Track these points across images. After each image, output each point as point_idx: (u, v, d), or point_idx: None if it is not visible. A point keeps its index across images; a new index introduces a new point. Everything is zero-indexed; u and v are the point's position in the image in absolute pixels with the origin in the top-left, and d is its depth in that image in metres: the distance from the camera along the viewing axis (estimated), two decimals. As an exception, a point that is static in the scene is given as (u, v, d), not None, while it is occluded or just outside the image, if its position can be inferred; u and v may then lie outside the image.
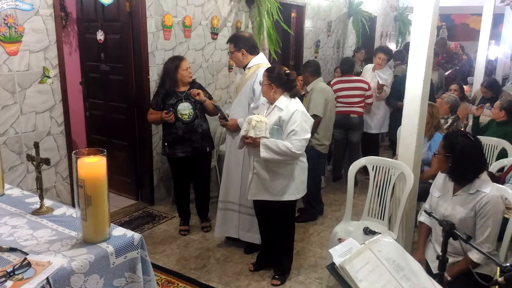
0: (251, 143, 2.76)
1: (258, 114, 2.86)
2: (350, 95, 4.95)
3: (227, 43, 3.40)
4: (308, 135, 2.76)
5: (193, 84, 3.65)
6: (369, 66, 5.55)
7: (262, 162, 2.80)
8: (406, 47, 7.65)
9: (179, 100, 3.53)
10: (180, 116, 3.52)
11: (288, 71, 2.81)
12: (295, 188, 2.88)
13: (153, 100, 3.66)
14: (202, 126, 3.63)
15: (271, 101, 2.83)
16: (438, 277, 1.93)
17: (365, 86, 4.98)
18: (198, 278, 3.11)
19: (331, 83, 5.09)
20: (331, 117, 4.13)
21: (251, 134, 2.73)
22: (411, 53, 2.90)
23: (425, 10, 2.80)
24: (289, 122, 2.70)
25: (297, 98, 2.86)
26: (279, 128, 2.75)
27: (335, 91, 5.08)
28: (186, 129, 3.55)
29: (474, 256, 2.25)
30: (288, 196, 2.87)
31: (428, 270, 2.37)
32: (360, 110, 5.00)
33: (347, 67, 5.18)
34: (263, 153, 2.71)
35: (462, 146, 2.31)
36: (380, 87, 5.27)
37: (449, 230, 1.80)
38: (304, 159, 2.92)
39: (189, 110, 3.54)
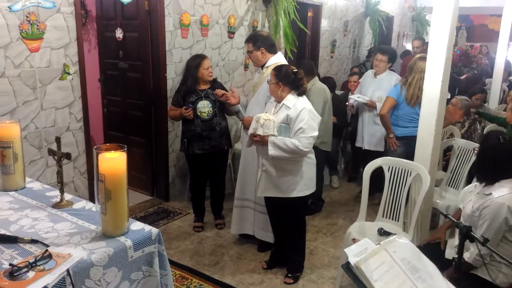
0: (260, 141, 2.79)
1: (266, 112, 2.88)
2: None
3: (245, 42, 3.40)
4: (316, 133, 2.77)
5: (214, 83, 3.68)
6: (370, 72, 4.64)
7: (270, 159, 2.83)
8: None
9: (198, 98, 3.56)
10: (199, 113, 3.55)
11: (296, 70, 2.81)
12: (303, 185, 2.88)
13: (174, 97, 3.70)
14: (221, 124, 3.65)
15: (279, 100, 2.85)
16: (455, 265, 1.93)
17: None
18: (211, 275, 3.13)
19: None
20: (330, 114, 4.13)
21: (259, 132, 2.77)
22: (430, 54, 2.88)
23: (445, 10, 2.78)
24: (296, 120, 2.72)
25: (304, 96, 2.86)
26: (287, 126, 2.77)
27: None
28: (205, 126, 3.58)
29: (466, 255, 2.23)
30: (297, 193, 2.88)
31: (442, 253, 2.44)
32: None
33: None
34: (271, 150, 2.74)
35: (488, 144, 2.29)
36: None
37: (465, 232, 1.79)
38: (312, 156, 2.93)
39: (208, 108, 3.57)
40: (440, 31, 2.81)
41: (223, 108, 3.65)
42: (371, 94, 4.38)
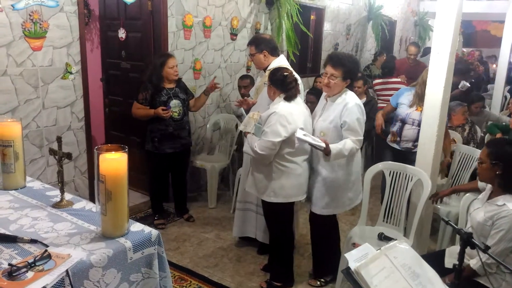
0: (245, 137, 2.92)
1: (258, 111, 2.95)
2: (388, 94, 5.04)
3: (248, 45, 3.40)
4: (278, 139, 2.66)
5: (179, 82, 3.74)
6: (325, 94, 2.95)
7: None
8: (425, 52, 7.58)
9: (169, 98, 3.60)
10: (171, 113, 3.59)
11: (286, 73, 2.79)
12: (271, 191, 2.82)
13: (141, 95, 3.62)
14: (188, 122, 3.82)
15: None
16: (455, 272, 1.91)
17: (401, 86, 5.01)
18: (210, 276, 3.12)
19: (373, 83, 5.64)
20: None
21: (241, 128, 2.91)
22: (432, 59, 2.88)
23: (448, 16, 2.78)
24: (265, 122, 2.74)
25: (293, 101, 2.78)
26: (260, 126, 2.80)
27: (377, 90, 5.57)
28: (176, 126, 3.66)
29: (472, 261, 2.22)
30: (265, 197, 2.86)
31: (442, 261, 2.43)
32: None
33: (387, 71, 5.66)
34: (244, 146, 2.86)
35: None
36: None
37: (466, 239, 1.78)
38: (288, 164, 2.78)
39: (178, 108, 3.64)
40: (443, 37, 2.81)
41: (188, 106, 3.79)
42: (315, 124, 2.87)
